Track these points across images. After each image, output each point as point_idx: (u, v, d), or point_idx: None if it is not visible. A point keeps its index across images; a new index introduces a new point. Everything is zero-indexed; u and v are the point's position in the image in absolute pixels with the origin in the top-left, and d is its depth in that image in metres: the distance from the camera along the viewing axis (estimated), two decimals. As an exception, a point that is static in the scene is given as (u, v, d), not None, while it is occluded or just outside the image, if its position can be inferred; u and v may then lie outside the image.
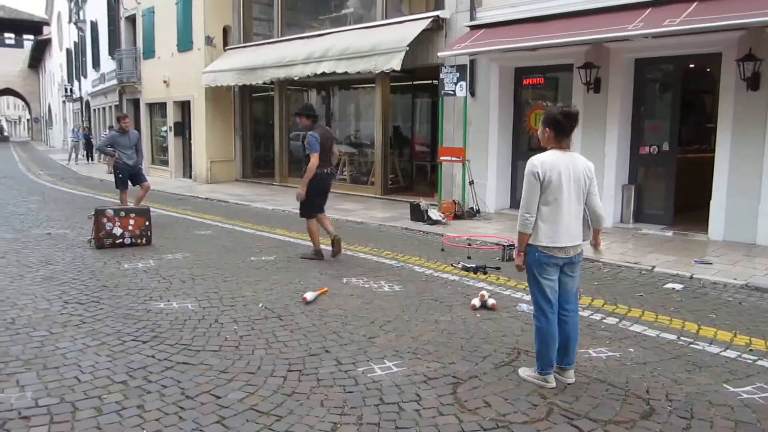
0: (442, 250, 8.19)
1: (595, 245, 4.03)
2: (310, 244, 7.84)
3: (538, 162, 3.71)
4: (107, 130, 14.66)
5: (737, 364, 4.25)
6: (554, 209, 3.71)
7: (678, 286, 6.32)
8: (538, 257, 3.76)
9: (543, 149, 3.87)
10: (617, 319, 5.23)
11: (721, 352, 4.47)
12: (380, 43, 11.94)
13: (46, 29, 51.43)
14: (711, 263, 7.12)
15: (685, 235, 8.81)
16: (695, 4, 7.89)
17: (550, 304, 3.82)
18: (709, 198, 8.57)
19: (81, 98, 32.85)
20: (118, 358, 4.26)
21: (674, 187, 9.41)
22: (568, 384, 3.85)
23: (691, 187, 9.53)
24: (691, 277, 6.59)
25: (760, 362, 4.27)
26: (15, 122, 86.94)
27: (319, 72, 13.10)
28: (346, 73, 12.59)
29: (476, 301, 5.50)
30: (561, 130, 3.76)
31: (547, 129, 3.80)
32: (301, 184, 7.47)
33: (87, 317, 5.17)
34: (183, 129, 19.27)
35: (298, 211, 7.87)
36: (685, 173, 9.53)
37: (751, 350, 4.50)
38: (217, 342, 4.62)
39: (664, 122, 9.56)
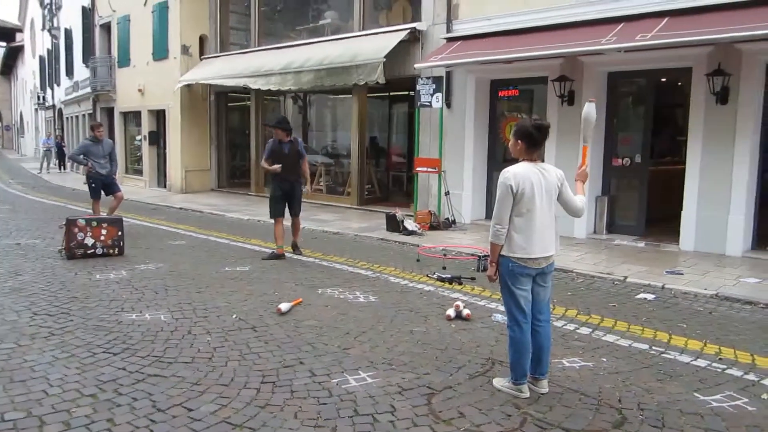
0: (418, 260, 8.20)
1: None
2: (286, 254, 8.33)
3: (510, 174, 3.74)
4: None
5: (707, 372, 4.31)
6: (527, 220, 3.75)
7: (650, 297, 6.40)
8: (511, 268, 3.78)
9: (517, 161, 3.91)
10: (590, 329, 5.28)
11: (691, 361, 4.53)
12: (358, 55, 11.97)
13: (18, 36, 50.58)
14: (682, 273, 7.22)
15: (656, 245, 8.94)
16: (666, 19, 8.05)
17: (524, 314, 3.84)
18: (681, 209, 8.71)
19: (54, 106, 32.41)
20: (87, 371, 4.18)
21: (646, 198, 9.55)
22: (542, 394, 3.87)
23: (663, 198, 9.68)
24: (663, 288, 6.68)
25: (729, 371, 4.33)
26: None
27: (303, 87, 13.12)
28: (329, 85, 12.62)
29: (451, 312, 5.51)
30: (532, 142, 3.80)
31: (519, 141, 3.84)
32: (311, 182, 9.25)
33: (56, 329, 5.07)
34: (158, 138, 19.11)
35: (269, 218, 8.67)
36: (657, 185, 9.68)
37: (720, 359, 4.57)
38: (189, 354, 4.56)
39: (637, 135, 9.72)
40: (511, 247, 3.76)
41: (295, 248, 8.52)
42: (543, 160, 3.95)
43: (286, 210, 8.41)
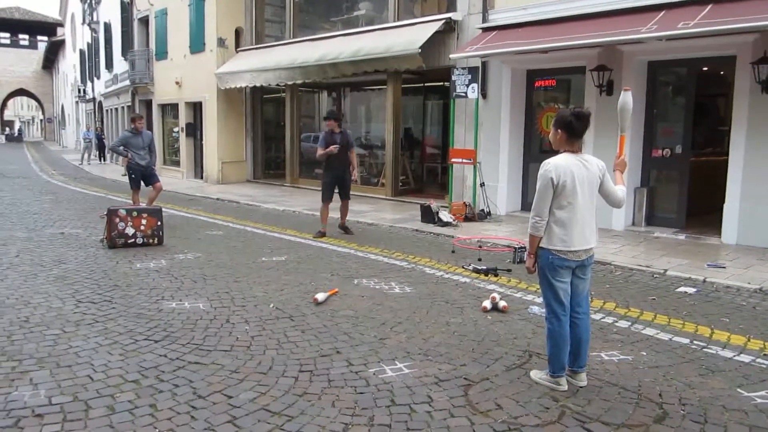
0: (453, 251, 8.18)
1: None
2: (320, 244, 8.55)
3: (551, 166, 3.70)
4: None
5: (751, 368, 4.21)
6: (568, 213, 3.70)
7: (690, 290, 6.28)
8: (551, 260, 3.74)
9: (555, 152, 3.86)
10: (629, 323, 5.20)
11: (734, 356, 4.44)
12: (393, 46, 11.95)
13: (59, 30, 51.86)
14: (724, 267, 7.06)
15: (697, 238, 8.75)
16: (710, 6, 7.84)
17: (563, 306, 3.80)
18: (722, 201, 8.51)
19: (94, 99, 33.09)
20: (130, 357, 4.29)
21: (687, 190, 9.35)
22: (580, 387, 3.84)
23: (704, 190, 9.46)
24: (704, 281, 6.54)
25: (774, 367, 4.23)
26: (28, 122, 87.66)
27: (341, 79, 13.18)
28: (362, 72, 12.63)
29: (487, 303, 5.49)
30: (573, 132, 3.73)
31: (559, 131, 3.78)
32: (356, 170, 9.65)
33: (99, 316, 5.20)
34: (195, 130, 19.37)
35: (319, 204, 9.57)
36: (698, 176, 9.46)
37: (765, 355, 4.46)
38: (228, 342, 4.63)
39: (677, 125, 9.51)
40: (551, 239, 3.72)
41: (346, 230, 9.47)
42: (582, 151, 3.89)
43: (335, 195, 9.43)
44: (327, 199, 9.35)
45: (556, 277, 3.77)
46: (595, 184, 3.78)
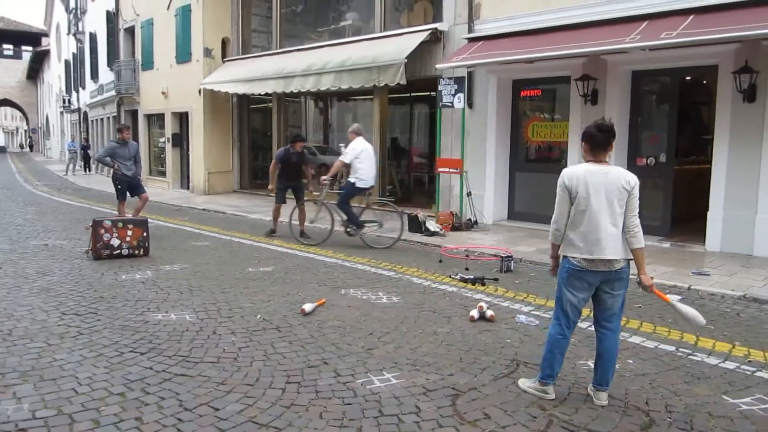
0: (440, 261, 8.19)
1: (640, 281, 3.84)
2: (307, 255, 8.42)
3: (567, 174, 3.75)
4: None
5: (736, 375, 4.25)
6: (583, 220, 3.69)
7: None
8: (568, 268, 3.77)
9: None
10: (616, 331, 5.22)
11: (719, 363, 4.47)
12: (379, 56, 11.99)
13: (44, 40, 51.59)
14: (708, 274, 7.13)
15: (682, 246, 8.82)
16: (692, 17, 7.95)
17: (565, 316, 3.81)
18: (706, 209, 8.59)
19: (79, 109, 32.90)
20: (115, 370, 4.24)
21: (671, 198, 9.43)
22: (602, 406, 3.73)
23: (688, 198, 9.56)
24: (689, 288, 6.60)
25: (758, 373, 4.27)
26: (12, 133, 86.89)
27: (323, 88, 13.20)
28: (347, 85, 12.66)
29: (475, 313, 5.50)
30: (595, 143, 3.75)
31: (583, 143, 3.84)
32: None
33: (84, 328, 5.15)
34: (181, 140, 19.30)
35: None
36: (682, 184, 9.56)
37: (749, 361, 4.50)
38: (215, 353, 4.60)
39: (661, 134, 9.61)
40: (567, 246, 3.77)
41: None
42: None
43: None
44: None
45: (569, 287, 3.77)
46: (616, 194, 3.65)
